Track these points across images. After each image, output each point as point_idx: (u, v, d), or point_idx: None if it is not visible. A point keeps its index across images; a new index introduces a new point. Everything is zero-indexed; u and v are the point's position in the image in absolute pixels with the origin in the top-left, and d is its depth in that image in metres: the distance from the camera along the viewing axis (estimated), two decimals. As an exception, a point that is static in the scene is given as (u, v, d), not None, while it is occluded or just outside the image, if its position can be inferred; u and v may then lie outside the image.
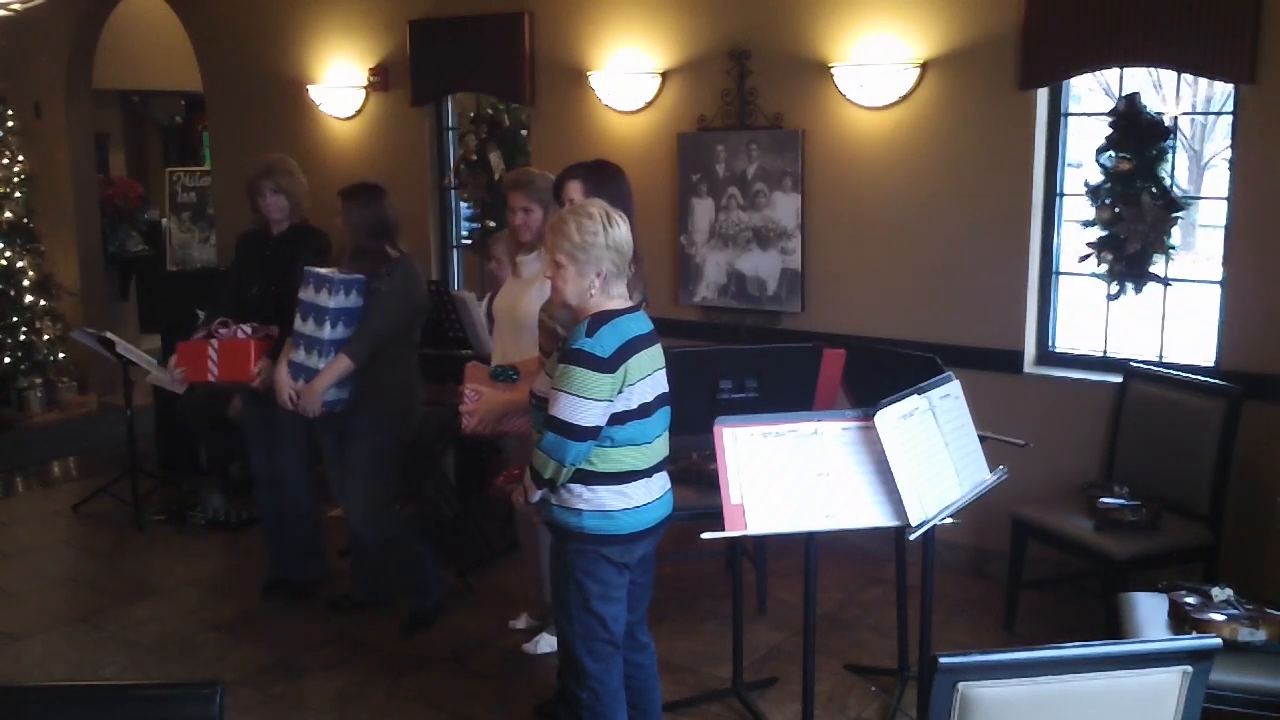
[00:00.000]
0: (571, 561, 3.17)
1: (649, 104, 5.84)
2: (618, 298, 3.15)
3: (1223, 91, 6.14)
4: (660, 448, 3.23)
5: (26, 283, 8.08)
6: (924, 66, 5.06)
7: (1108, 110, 4.77)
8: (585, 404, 2.99)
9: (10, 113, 8.18)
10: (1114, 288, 4.78)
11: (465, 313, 5.46)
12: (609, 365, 3.01)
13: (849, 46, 5.20)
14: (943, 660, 2.05)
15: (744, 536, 3.27)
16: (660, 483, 3.25)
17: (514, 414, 3.82)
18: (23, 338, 8.08)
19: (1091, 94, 6.14)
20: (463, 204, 6.87)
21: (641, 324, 3.16)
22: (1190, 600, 3.37)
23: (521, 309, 4.17)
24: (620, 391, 3.04)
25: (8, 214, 8.02)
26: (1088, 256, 4.81)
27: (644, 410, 3.12)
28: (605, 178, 3.79)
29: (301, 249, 4.71)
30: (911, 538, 3.13)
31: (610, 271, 3.10)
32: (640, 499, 3.15)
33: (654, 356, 3.18)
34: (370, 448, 4.54)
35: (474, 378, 4.06)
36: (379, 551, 4.71)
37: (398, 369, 4.58)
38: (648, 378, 3.13)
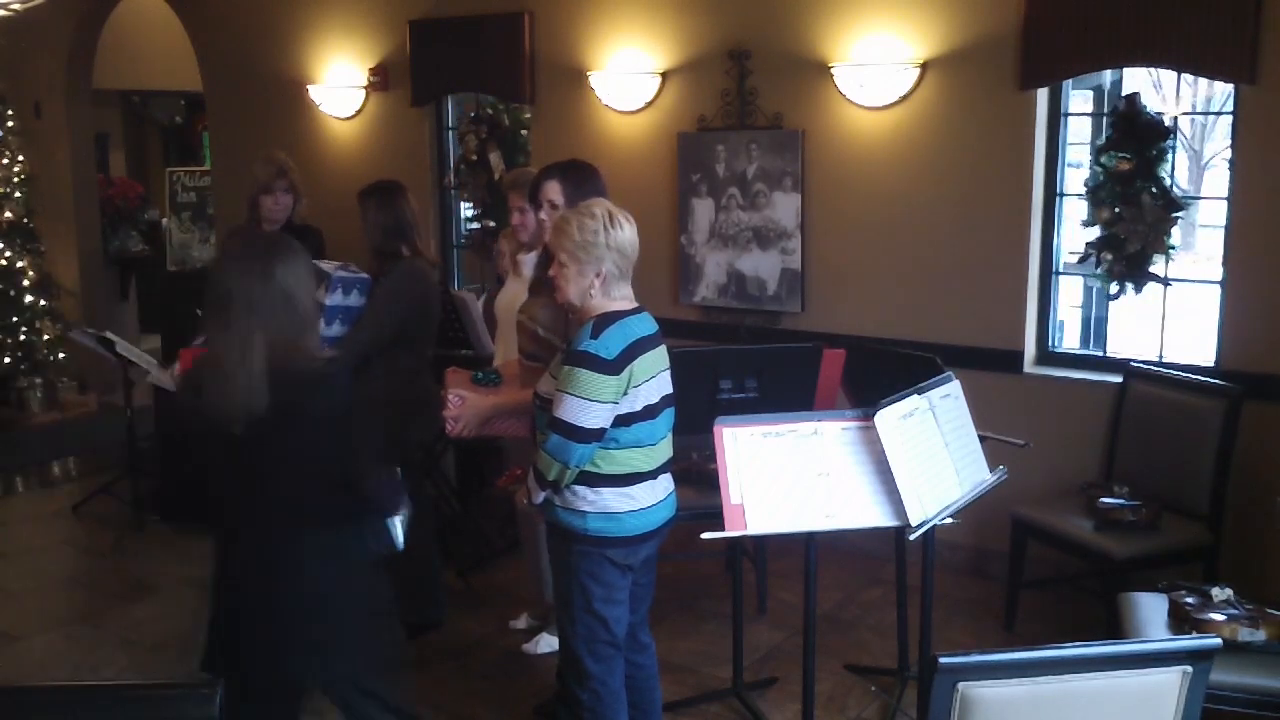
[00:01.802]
0: (575, 563, 3.16)
1: (649, 104, 5.84)
2: (621, 299, 3.14)
3: (1223, 91, 6.14)
4: (665, 449, 3.23)
5: (26, 283, 8.06)
6: (924, 66, 5.06)
7: (1107, 110, 4.77)
8: (590, 406, 2.98)
9: (10, 113, 8.17)
10: (1114, 288, 4.78)
11: (465, 312, 5.46)
12: (614, 367, 3.00)
13: (849, 46, 5.20)
14: (943, 660, 2.05)
15: (744, 536, 3.27)
16: (665, 484, 3.24)
17: (498, 417, 3.80)
18: (23, 338, 8.07)
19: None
20: (463, 204, 6.87)
21: (647, 325, 3.16)
22: (1190, 600, 3.37)
23: (522, 308, 4.16)
24: (625, 393, 3.04)
25: (8, 214, 8.01)
26: (1088, 256, 4.81)
27: (649, 412, 3.12)
28: (584, 177, 3.75)
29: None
30: (911, 538, 3.13)
31: (611, 273, 3.09)
32: (645, 501, 3.15)
33: (659, 358, 3.18)
34: None
35: (455, 383, 4.00)
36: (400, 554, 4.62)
37: (392, 376, 4.44)
38: (653, 379, 3.13)
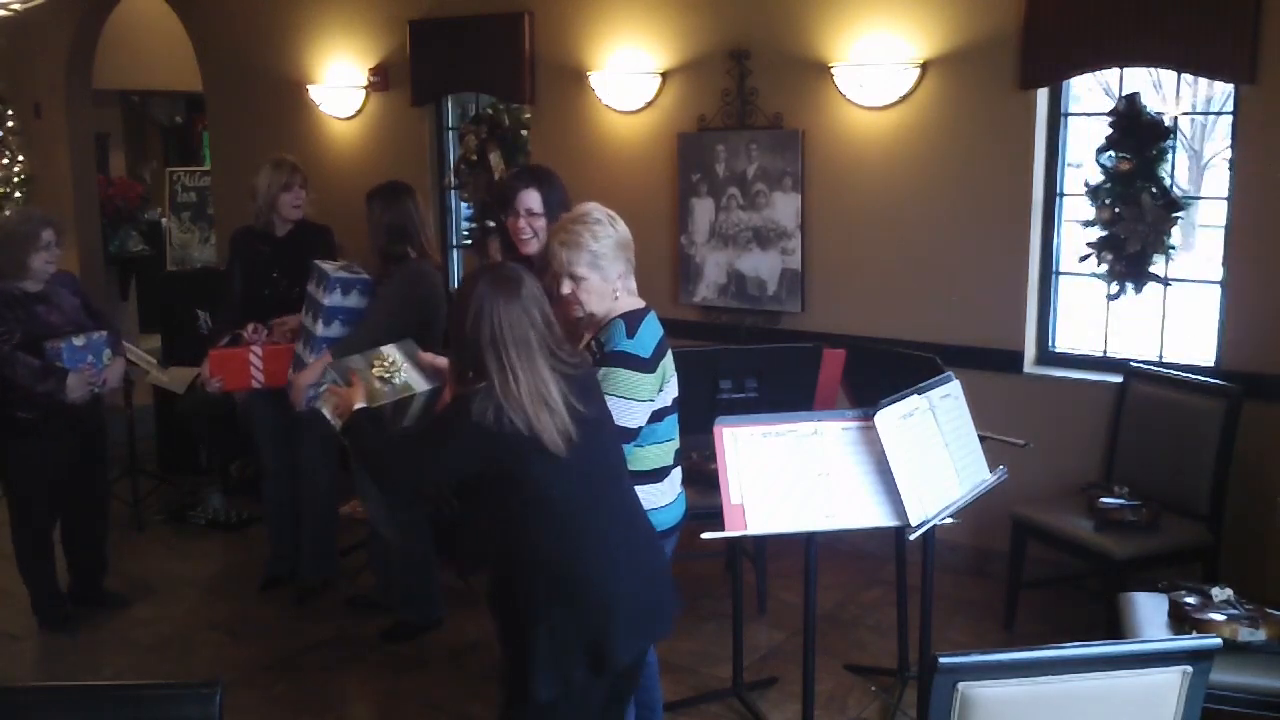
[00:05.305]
0: None
1: (649, 104, 5.84)
2: (634, 293, 3.13)
3: (1223, 91, 6.14)
4: (676, 441, 3.20)
5: (26, 283, 8.06)
6: (924, 66, 5.06)
7: (1108, 110, 4.77)
8: (631, 405, 2.93)
9: (10, 113, 8.18)
10: (1114, 288, 4.78)
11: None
12: (650, 365, 2.98)
13: (849, 46, 5.20)
14: (943, 660, 2.05)
15: (744, 536, 3.27)
16: (678, 478, 3.21)
17: None
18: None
19: (1091, 94, 6.14)
20: (463, 204, 6.87)
21: (659, 323, 3.16)
22: (1190, 600, 3.37)
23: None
24: (660, 389, 3.03)
25: (7, 214, 8.01)
26: (1088, 256, 4.81)
27: (674, 405, 3.12)
28: (554, 184, 3.65)
29: (314, 248, 4.70)
30: (911, 538, 3.13)
31: (626, 270, 3.08)
32: (667, 497, 3.12)
33: (671, 354, 3.18)
34: None
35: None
36: (397, 554, 4.63)
37: None
38: (674, 375, 3.12)
